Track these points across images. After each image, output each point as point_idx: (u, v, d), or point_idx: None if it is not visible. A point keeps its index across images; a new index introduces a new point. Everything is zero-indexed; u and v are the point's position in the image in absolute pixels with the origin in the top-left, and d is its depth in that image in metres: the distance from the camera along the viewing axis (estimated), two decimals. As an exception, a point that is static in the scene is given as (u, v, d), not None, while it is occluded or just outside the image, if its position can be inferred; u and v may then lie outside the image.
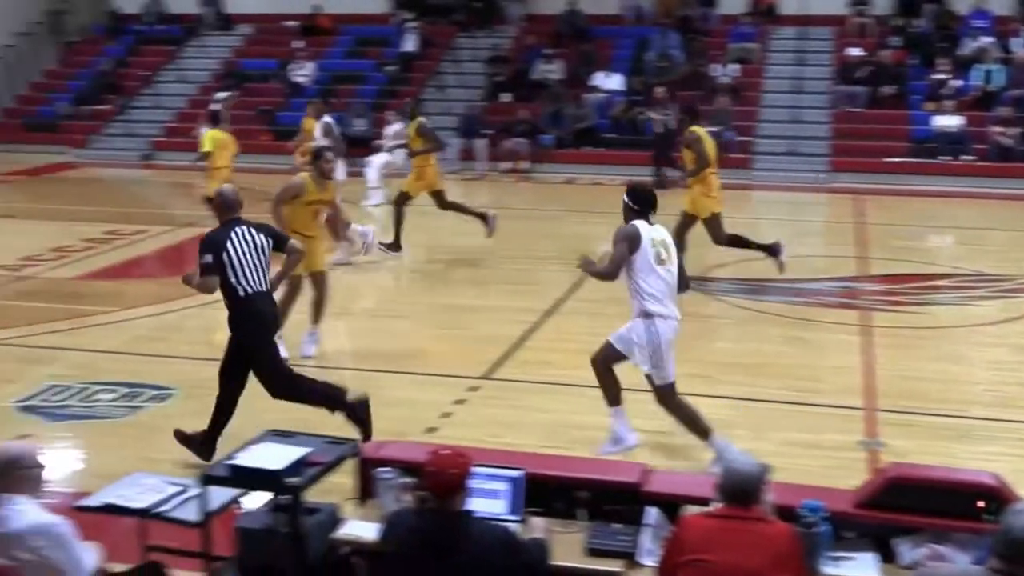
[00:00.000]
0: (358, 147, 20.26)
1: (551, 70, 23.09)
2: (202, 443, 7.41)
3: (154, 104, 24.57)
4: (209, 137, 14.41)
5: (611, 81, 22.58)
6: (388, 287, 13.47)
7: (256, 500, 5.46)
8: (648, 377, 7.25)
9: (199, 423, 8.26)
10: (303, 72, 24.21)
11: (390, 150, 18.70)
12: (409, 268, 13.85)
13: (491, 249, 13.87)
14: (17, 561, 4.43)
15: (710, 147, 12.11)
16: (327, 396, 7.47)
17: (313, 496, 5.27)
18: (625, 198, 7.29)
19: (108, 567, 4.87)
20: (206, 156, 14.32)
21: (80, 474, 7.63)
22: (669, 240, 7.27)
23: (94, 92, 25.07)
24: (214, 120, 14.90)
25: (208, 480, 5.14)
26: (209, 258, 7.18)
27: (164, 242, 15.42)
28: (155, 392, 9.02)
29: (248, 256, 7.23)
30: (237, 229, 7.30)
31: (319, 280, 9.97)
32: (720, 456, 6.66)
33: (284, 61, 24.73)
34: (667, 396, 7.27)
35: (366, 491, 5.43)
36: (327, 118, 16.23)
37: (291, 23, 25.79)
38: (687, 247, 11.94)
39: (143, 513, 5.24)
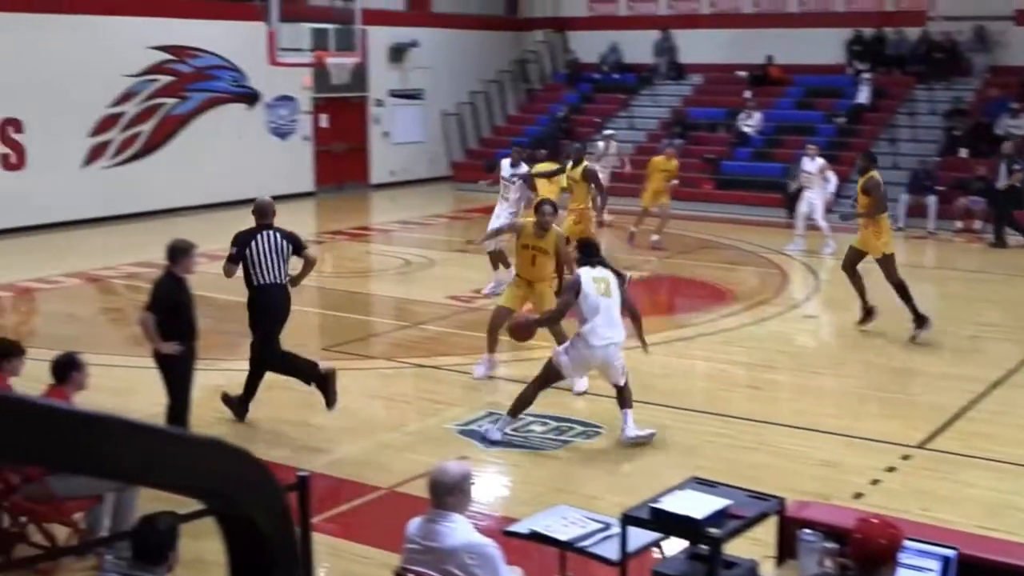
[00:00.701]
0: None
1: (1017, 125, 21.64)
2: (239, 403, 9.31)
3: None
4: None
5: (1087, 138, 20.81)
6: (824, 344, 13.13)
7: (674, 546, 5.46)
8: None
9: (623, 463, 8.43)
10: (750, 122, 24.24)
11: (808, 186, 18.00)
12: (848, 325, 13.40)
13: (938, 312, 13.16)
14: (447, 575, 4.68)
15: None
16: (301, 371, 9.33)
17: (731, 549, 5.19)
18: (575, 250, 9.31)
19: (528, 593, 5.04)
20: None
21: (507, 500, 7.97)
22: (610, 276, 8.74)
23: (549, 136, 26.38)
24: (572, 159, 15.87)
25: (629, 521, 5.19)
26: (235, 250, 9.08)
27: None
28: (583, 428, 9.27)
29: (267, 254, 9.00)
30: (264, 232, 9.09)
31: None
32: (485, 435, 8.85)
33: (732, 110, 24.88)
34: (541, 376, 8.92)
35: (786, 551, 5.27)
36: (524, 166, 15.25)
37: (742, 73, 25.92)
38: (863, 276, 12.54)
39: (566, 545, 5.37)
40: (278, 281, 9.09)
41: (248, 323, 9.25)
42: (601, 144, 21.73)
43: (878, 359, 11.79)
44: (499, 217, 14.47)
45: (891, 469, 8.41)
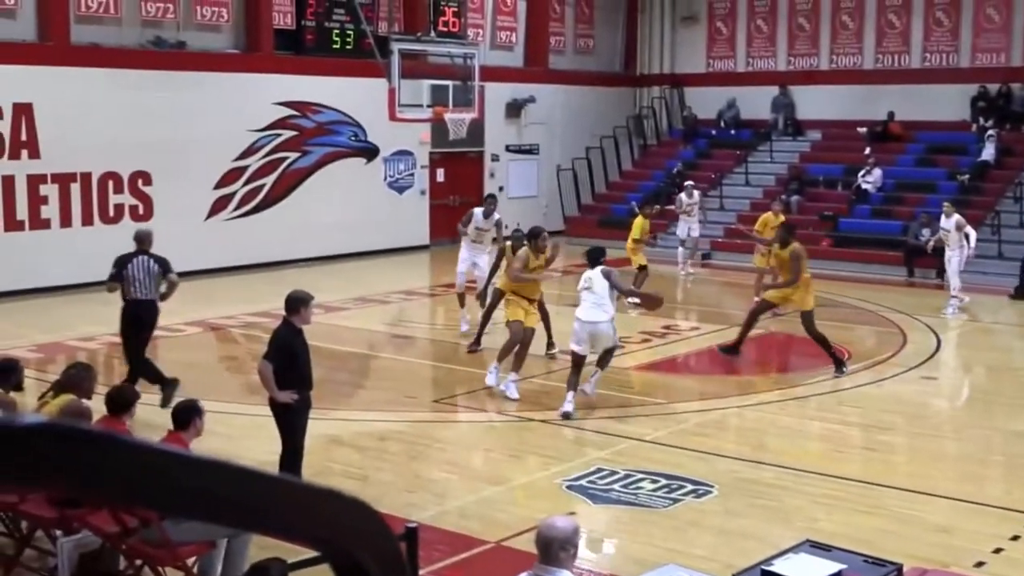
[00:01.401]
0: (921, 257, 19.77)
1: None
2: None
3: (718, 206, 25.27)
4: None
5: None
6: (944, 406, 12.77)
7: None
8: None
9: (734, 523, 8.31)
10: (869, 179, 23.88)
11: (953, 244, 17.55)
12: (970, 388, 13.06)
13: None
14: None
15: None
16: (158, 375, 11.17)
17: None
18: (584, 256, 11.73)
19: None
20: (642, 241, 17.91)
21: (615, 557, 7.90)
22: (594, 276, 11.13)
23: (664, 192, 26.33)
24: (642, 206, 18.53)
25: (738, 582, 5.11)
26: (114, 271, 11.08)
27: (716, 340, 15.72)
28: (694, 487, 9.14)
29: (139, 275, 10.99)
30: (138, 256, 11.07)
31: (527, 333, 12.30)
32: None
33: (851, 167, 24.55)
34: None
35: (902, 620, 5.13)
36: (497, 215, 15.96)
37: (861, 129, 25.57)
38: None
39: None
40: (148, 297, 11.12)
41: (120, 331, 11.31)
42: (683, 196, 21.69)
43: (999, 423, 11.43)
44: (464, 261, 15.68)
45: (1015, 537, 8.10)
